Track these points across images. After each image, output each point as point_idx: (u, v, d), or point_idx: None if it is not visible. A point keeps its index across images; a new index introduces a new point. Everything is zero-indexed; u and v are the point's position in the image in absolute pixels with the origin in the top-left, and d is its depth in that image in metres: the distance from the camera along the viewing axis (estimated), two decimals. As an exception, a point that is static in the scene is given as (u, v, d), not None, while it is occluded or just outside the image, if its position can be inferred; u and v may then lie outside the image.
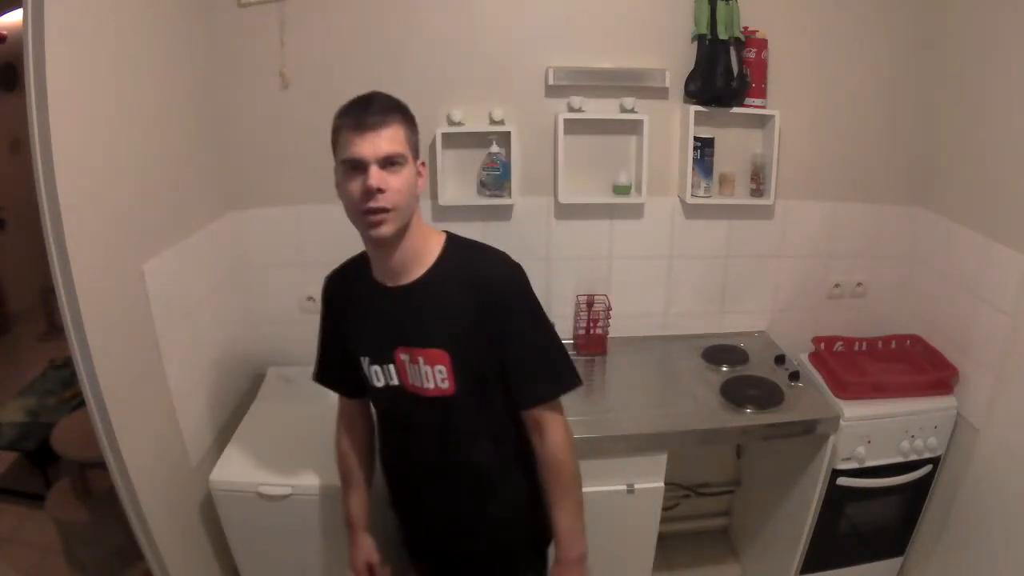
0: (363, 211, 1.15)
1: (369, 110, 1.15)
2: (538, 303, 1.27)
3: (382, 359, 1.29)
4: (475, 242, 1.29)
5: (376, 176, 1.13)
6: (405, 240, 1.21)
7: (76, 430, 2.29)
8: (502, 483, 1.37)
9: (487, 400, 1.29)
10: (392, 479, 1.47)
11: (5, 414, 2.81)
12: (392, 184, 1.14)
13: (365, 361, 1.31)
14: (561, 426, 1.30)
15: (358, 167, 1.14)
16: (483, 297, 1.21)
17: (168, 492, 1.66)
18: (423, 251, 1.24)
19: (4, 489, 2.88)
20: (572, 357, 2.25)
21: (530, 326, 1.26)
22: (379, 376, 1.30)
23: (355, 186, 1.15)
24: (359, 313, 1.32)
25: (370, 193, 1.13)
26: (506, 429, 1.33)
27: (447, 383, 1.24)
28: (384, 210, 1.14)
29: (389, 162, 1.14)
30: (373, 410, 1.47)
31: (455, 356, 1.22)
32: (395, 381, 1.29)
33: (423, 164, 1.23)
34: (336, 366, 1.43)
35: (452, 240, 1.28)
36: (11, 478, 2.92)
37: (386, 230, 1.16)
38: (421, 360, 1.24)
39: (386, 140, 1.14)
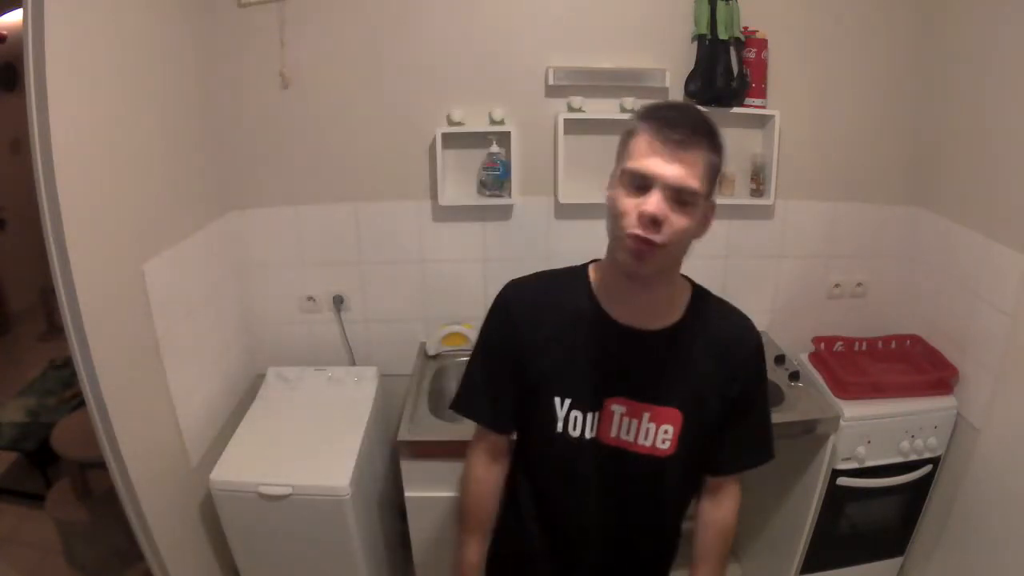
0: (629, 235, 0.96)
1: (679, 122, 0.95)
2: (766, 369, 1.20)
3: (588, 406, 1.10)
4: (720, 298, 1.17)
5: (657, 204, 0.94)
6: (661, 284, 1.07)
7: (76, 430, 2.29)
8: (676, 548, 1.29)
9: (698, 464, 1.18)
10: (546, 537, 1.23)
11: (5, 414, 2.81)
12: (675, 222, 0.95)
13: (563, 404, 1.10)
14: (739, 495, 1.25)
15: (643, 185, 0.96)
16: (730, 360, 1.11)
17: (168, 492, 1.66)
18: (676, 298, 1.11)
19: (4, 489, 2.88)
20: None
21: (765, 395, 1.18)
22: (576, 424, 1.10)
23: (630, 204, 0.97)
24: (569, 346, 1.10)
25: (644, 219, 0.95)
26: (692, 494, 1.24)
27: (668, 444, 1.10)
28: (653, 244, 0.96)
29: (679, 195, 0.95)
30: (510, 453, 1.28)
31: (688, 418, 1.09)
32: (591, 434, 1.11)
33: (713, 206, 1.02)
34: (497, 395, 1.18)
35: (699, 291, 1.15)
36: (11, 478, 2.92)
37: (646, 269, 0.99)
38: (646, 416, 1.09)
39: (686, 167, 0.94)
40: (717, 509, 1.22)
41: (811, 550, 2.07)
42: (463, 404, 1.23)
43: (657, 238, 0.95)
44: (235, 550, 1.82)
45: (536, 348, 1.11)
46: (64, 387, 2.94)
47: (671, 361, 1.09)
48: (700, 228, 1.01)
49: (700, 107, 1.06)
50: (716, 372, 1.10)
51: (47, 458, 2.63)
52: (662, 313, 1.10)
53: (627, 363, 1.09)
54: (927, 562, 2.13)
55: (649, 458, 1.11)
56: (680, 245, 1.00)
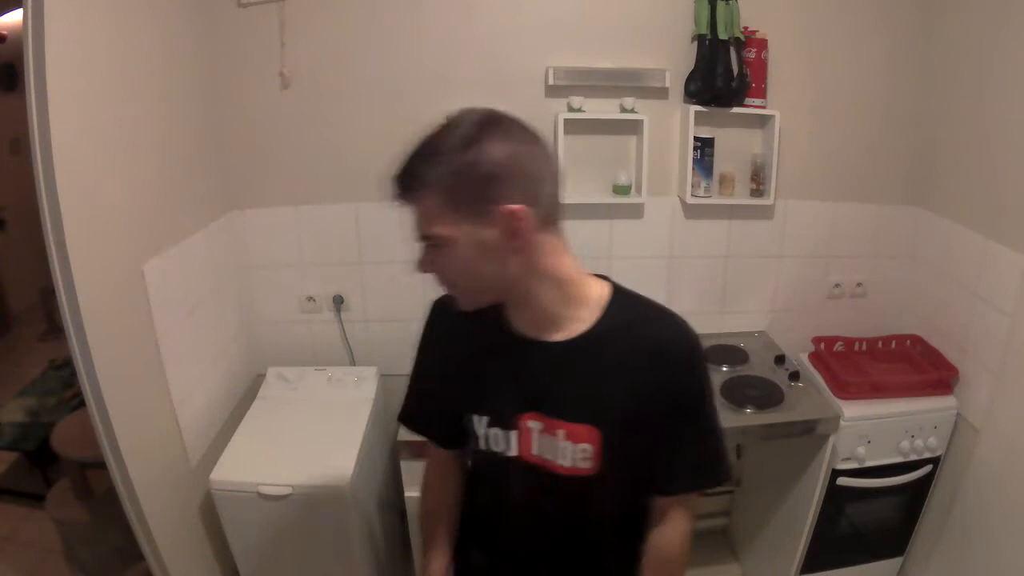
0: None
1: (395, 178, 0.90)
2: (708, 381, 1.04)
3: (504, 423, 1.04)
4: (647, 299, 1.04)
5: (422, 255, 0.91)
6: (532, 300, 0.96)
7: (76, 430, 2.29)
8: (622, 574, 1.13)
9: (637, 484, 1.05)
10: (481, 550, 1.21)
11: (5, 414, 2.81)
12: (440, 267, 0.92)
13: (479, 421, 1.07)
14: (688, 520, 1.09)
15: None
16: (655, 370, 0.97)
17: (168, 492, 1.66)
18: (575, 304, 0.98)
19: (4, 489, 2.88)
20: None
21: (704, 408, 1.03)
22: (497, 441, 1.05)
23: None
24: (480, 363, 1.06)
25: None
26: (640, 516, 1.10)
27: (588, 463, 1.00)
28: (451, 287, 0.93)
29: (431, 241, 0.90)
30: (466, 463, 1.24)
31: (608, 435, 0.98)
32: (514, 452, 1.05)
33: (518, 212, 0.85)
34: (432, 410, 1.17)
35: (619, 293, 1.02)
36: (11, 478, 2.92)
37: (468, 306, 0.97)
38: (560, 434, 1.00)
39: (417, 216, 0.89)
40: (659, 534, 1.08)
41: (811, 550, 2.07)
42: (403, 416, 1.22)
43: (441, 284, 0.94)
44: (235, 550, 1.82)
45: (456, 365, 1.09)
46: (64, 387, 2.94)
47: (581, 375, 0.99)
48: (479, 248, 0.87)
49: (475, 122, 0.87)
50: (638, 383, 0.97)
51: (47, 458, 2.63)
52: (564, 323, 0.98)
53: (536, 377, 1.01)
54: (927, 562, 2.13)
55: (573, 478, 1.01)
56: (473, 282, 0.93)
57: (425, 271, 0.93)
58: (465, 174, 0.85)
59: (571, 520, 1.08)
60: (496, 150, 0.84)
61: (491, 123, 0.87)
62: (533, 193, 0.87)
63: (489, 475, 1.14)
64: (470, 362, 1.07)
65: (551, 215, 0.91)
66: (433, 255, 0.91)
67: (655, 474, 1.04)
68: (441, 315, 1.12)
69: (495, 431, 1.05)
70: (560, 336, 0.98)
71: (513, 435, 1.04)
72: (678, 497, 1.07)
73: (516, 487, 1.09)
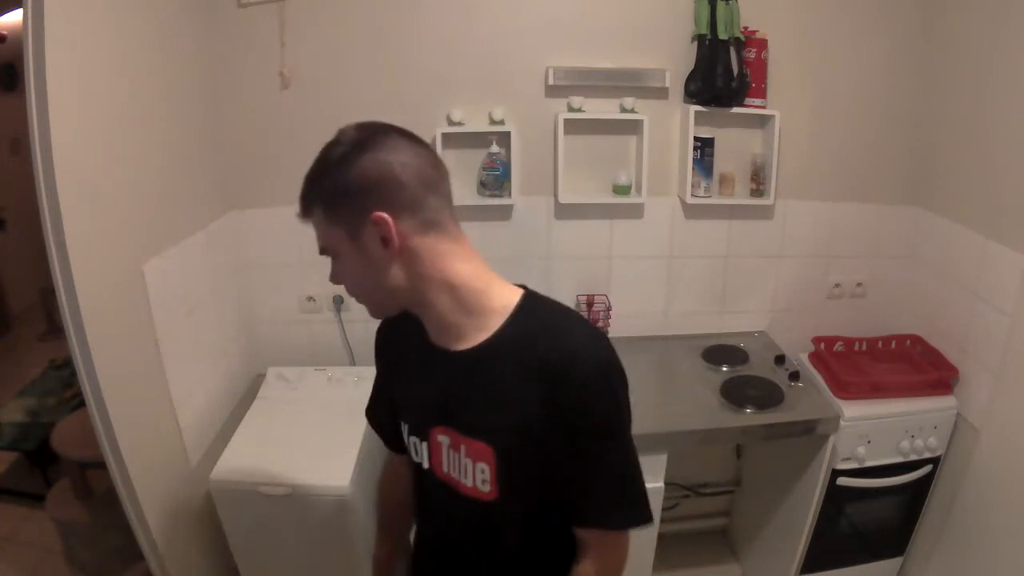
0: None
1: (300, 192, 0.92)
2: (625, 409, 0.93)
3: (419, 433, 1.03)
4: (559, 309, 0.95)
5: (331, 267, 0.95)
6: (428, 308, 0.94)
7: (76, 430, 2.29)
8: None
9: (539, 509, 0.98)
10: (425, 558, 1.20)
11: (5, 414, 2.81)
12: (340, 277, 0.95)
13: (405, 429, 1.06)
14: (608, 559, 0.99)
15: None
16: (557, 390, 0.87)
17: (168, 492, 1.66)
18: (476, 312, 0.93)
19: (4, 489, 2.88)
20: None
21: (613, 437, 0.92)
22: (416, 450, 1.04)
23: None
24: (406, 371, 1.06)
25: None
26: (557, 548, 1.01)
27: (488, 487, 0.94)
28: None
29: (325, 254, 0.94)
30: None
31: (502, 458, 0.92)
32: (426, 465, 1.03)
33: (381, 219, 0.86)
34: (384, 411, 1.18)
35: (529, 302, 0.94)
36: (11, 478, 2.92)
37: (372, 315, 1.00)
38: (463, 449, 0.95)
39: (315, 230, 0.93)
40: (578, 567, 0.98)
41: (811, 550, 2.07)
42: (366, 411, 1.26)
43: (350, 295, 0.97)
44: (235, 550, 1.82)
45: (392, 373, 1.11)
46: (64, 387, 2.94)
47: (480, 388, 0.93)
48: (372, 260, 0.89)
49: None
50: (537, 402, 0.88)
51: (47, 458, 2.63)
52: (466, 332, 0.93)
53: (445, 389, 0.97)
54: (927, 562, 2.13)
55: (476, 501, 0.96)
56: (366, 290, 0.95)
57: (333, 282, 0.96)
58: (340, 189, 0.88)
59: (479, 546, 1.03)
60: (366, 163, 0.87)
61: (366, 138, 0.90)
62: (407, 201, 0.87)
63: (416, 487, 1.13)
64: (401, 368, 1.07)
65: (435, 220, 0.89)
66: (334, 267, 0.94)
67: (564, 505, 0.96)
68: (383, 328, 1.14)
69: (414, 440, 1.04)
70: (462, 345, 0.94)
71: (425, 447, 1.02)
72: (592, 531, 0.97)
73: (432, 503, 1.08)
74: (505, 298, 0.94)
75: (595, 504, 0.94)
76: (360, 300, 0.98)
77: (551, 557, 1.02)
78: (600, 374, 0.88)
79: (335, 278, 0.96)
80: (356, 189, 0.87)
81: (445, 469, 0.99)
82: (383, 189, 0.87)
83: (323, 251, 0.93)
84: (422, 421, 1.02)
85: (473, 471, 0.95)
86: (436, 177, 0.91)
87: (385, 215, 0.86)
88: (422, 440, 1.02)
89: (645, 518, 0.95)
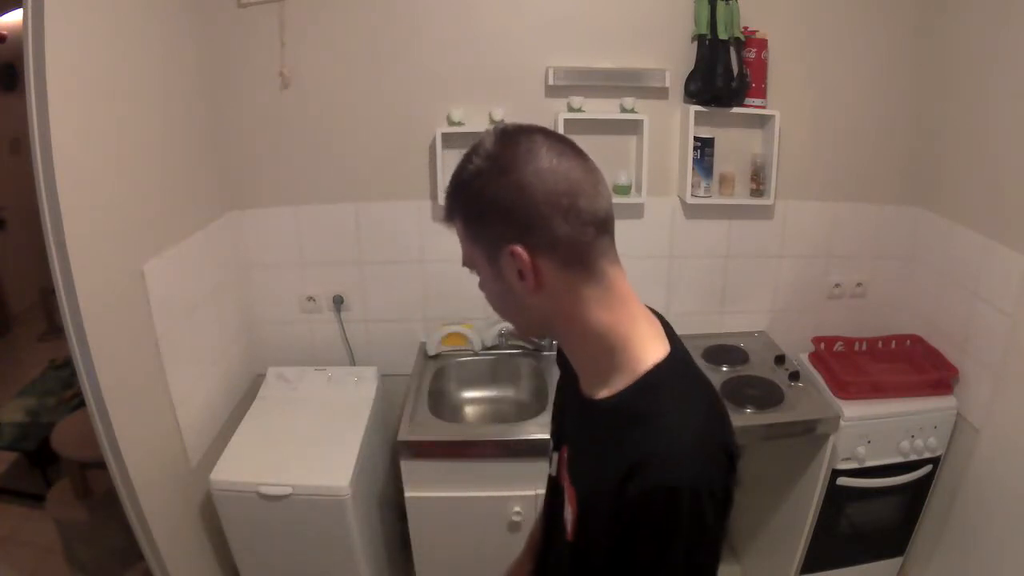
0: None
1: (445, 196, 0.84)
2: (676, 547, 0.75)
3: (554, 444, 1.02)
4: (668, 399, 0.80)
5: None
6: (564, 344, 0.89)
7: (76, 430, 2.29)
8: None
9: None
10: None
11: (5, 414, 2.81)
12: (484, 291, 0.87)
13: (550, 434, 1.07)
14: None
15: None
16: (624, 485, 0.75)
17: (168, 492, 1.66)
18: (605, 370, 0.83)
19: (4, 489, 2.88)
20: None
21: (647, 562, 0.76)
22: (552, 461, 1.02)
23: None
24: (563, 392, 1.03)
25: None
26: None
27: (570, 528, 0.89)
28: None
29: (466, 267, 0.86)
30: None
31: (582, 511, 0.86)
32: (553, 471, 1.00)
33: (517, 253, 0.77)
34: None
35: (652, 377, 0.81)
36: (11, 478, 2.92)
37: (519, 336, 0.98)
38: (567, 481, 0.91)
39: (458, 237, 0.84)
40: None
41: (811, 550, 2.07)
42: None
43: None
44: (235, 550, 1.82)
45: (562, 385, 1.05)
46: (64, 387, 2.94)
47: (586, 438, 0.88)
48: (510, 284, 0.80)
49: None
50: (612, 486, 0.76)
51: (47, 458, 2.63)
52: (597, 384, 0.85)
53: (571, 420, 0.95)
54: (927, 562, 2.13)
55: (564, 531, 0.90)
56: (501, 310, 0.87)
57: (482, 290, 0.88)
58: (475, 210, 0.80)
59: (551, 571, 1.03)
60: (501, 186, 0.77)
61: (504, 153, 0.77)
62: (546, 234, 0.76)
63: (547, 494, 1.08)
64: (564, 383, 1.03)
65: (578, 256, 0.78)
66: (480, 280, 0.87)
67: None
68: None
69: (553, 453, 1.01)
70: (588, 392, 0.87)
71: (555, 456, 0.99)
72: None
73: (548, 516, 1.05)
74: (638, 361, 0.82)
75: None
76: (503, 319, 0.92)
77: None
78: (665, 491, 0.73)
79: (481, 286, 0.87)
80: (490, 213, 0.78)
81: (565, 481, 0.92)
82: (519, 218, 0.76)
83: (466, 263, 0.86)
84: (557, 433, 1.01)
85: (566, 506, 0.90)
86: (586, 204, 0.77)
87: (520, 249, 0.76)
88: (554, 450, 1.00)
89: None
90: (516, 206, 0.76)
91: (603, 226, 0.79)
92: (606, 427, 0.83)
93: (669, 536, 0.75)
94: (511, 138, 0.79)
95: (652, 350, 0.83)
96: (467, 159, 0.80)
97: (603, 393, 0.84)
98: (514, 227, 0.77)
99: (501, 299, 0.85)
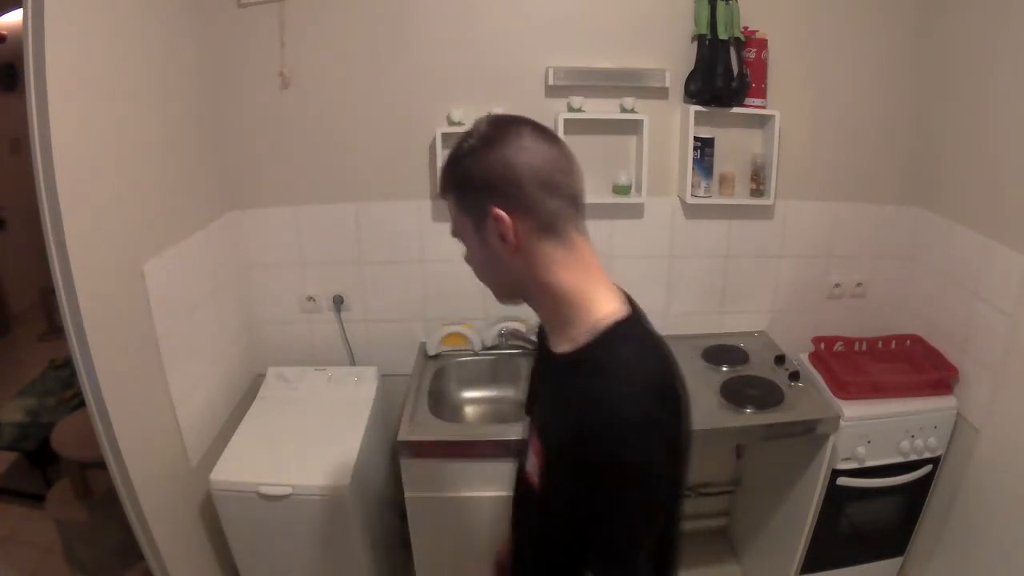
0: None
1: (440, 173, 0.97)
2: (630, 476, 0.83)
3: (528, 409, 1.15)
4: (622, 351, 0.89)
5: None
6: (534, 306, 0.98)
7: (76, 430, 2.29)
8: None
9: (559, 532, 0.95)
10: None
11: (5, 414, 2.81)
12: (469, 259, 0.98)
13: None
14: None
15: None
16: (583, 449, 0.84)
17: (168, 492, 1.66)
18: (570, 325, 0.93)
19: (4, 489, 2.88)
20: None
21: (607, 501, 0.84)
22: (524, 428, 1.11)
23: None
24: (538, 361, 1.13)
25: None
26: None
27: (536, 477, 0.98)
28: None
29: (456, 237, 0.98)
30: None
31: (546, 461, 0.95)
32: (526, 435, 1.08)
33: (500, 217, 0.88)
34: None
35: (610, 332, 0.90)
36: (11, 478, 2.92)
37: (498, 300, 1.02)
38: (535, 433, 1.01)
39: (449, 211, 0.97)
40: None
41: (811, 550, 2.07)
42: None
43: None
44: (235, 550, 1.82)
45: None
46: (64, 387, 2.94)
47: (551, 392, 0.98)
48: (490, 248, 0.92)
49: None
50: (570, 432, 0.86)
51: (47, 458, 2.63)
52: (560, 337, 0.95)
53: (540, 379, 1.10)
54: (927, 562, 2.13)
55: (530, 482, 1.00)
56: (483, 276, 0.98)
57: (466, 261, 0.99)
58: (466, 181, 0.92)
59: (517, 527, 1.12)
60: (490, 160, 0.89)
61: (495, 134, 0.90)
62: (526, 202, 0.89)
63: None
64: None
65: (552, 224, 0.91)
66: (466, 250, 0.97)
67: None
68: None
69: (526, 417, 1.14)
70: (555, 348, 0.96)
71: (528, 420, 1.10)
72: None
73: (517, 473, 1.13)
74: (599, 318, 0.91)
75: (586, 542, 0.87)
76: (485, 284, 1.00)
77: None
78: (615, 426, 0.82)
79: (466, 259, 0.99)
80: (480, 184, 0.90)
81: (528, 443, 1.04)
82: (503, 188, 0.89)
83: (454, 234, 0.97)
84: (530, 400, 1.15)
85: (532, 456, 1.00)
86: (562, 180, 0.92)
87: (503, 213, 0.88)
88: (527, 415, 1.13)
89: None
90: (501, 177, 0.88)
91: (574, 200, 0.94)
92: (567, 378, 0.92)
93: (621, 497, 0.84)
94: (501, 123, 0.92)
95: (613, 310, 0.93)
96: (462, 140, 0.92)
97: (566, 348, 0.93)
98: (498, 195, 0.89)
99: (485, 264, 0.96)
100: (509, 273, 0.94)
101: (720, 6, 1.92)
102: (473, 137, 0.91)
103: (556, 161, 0.92)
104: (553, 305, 0.94)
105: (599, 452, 0.83)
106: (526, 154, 0.89)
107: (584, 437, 0.83)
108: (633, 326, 0.93)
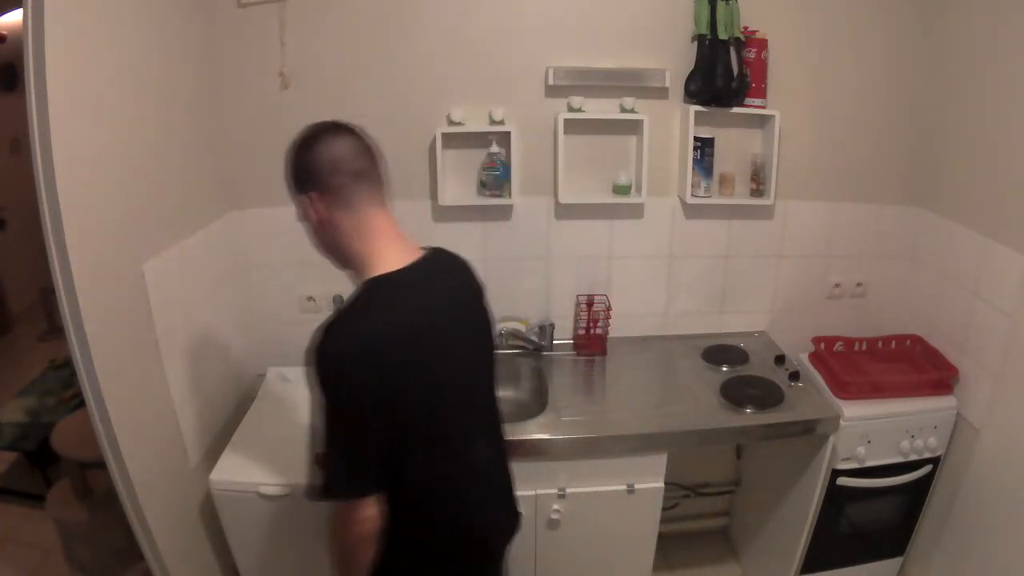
0: None
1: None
2: (329, 395, 1.12)
3: None
4: (353, 302, 1.17)
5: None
6: (343, 267, 1.27)
7: (76, 430, 2.29)
8: None
9: None
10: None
11: (5, 414, 2.81)
12: (308, 236, 1.26)
13: None
14: (333, 516, 1.26)
15: None
16: (306, 362, 1.14)
17: (168, 492, 1.66)
18: (357, 283, 1.21)
19: (4, 489, 2.88)
20: (572, 357, 2.25)
21: (318, 400, 1.13)
22: None
23: None
24: None
25: None
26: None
27: None
28: None
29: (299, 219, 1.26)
30: None
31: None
32: None
33: (311, 196, 1.18)
34: None
35: (360, 288, 1.19)
36: (11, 478, 2.92)
37: (335, 266, 1.28)
38: None
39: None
40: None
41: (811, 550, 2.07)
42: None
43: None
44: (235, 550, 1.82)
45: None
46: (64, 387, 2.94)
47: None
48: (308, 225, 1.23)
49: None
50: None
51: (47, 458, 2.63)
52: None
53: None
54: (927, 562, 2.13)
55: None
56: (318, 245, 1.25)
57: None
58: (292, 171, 1.22)
59: None
60: (309, 154, 1.19)
61: (313, 134, 1.20)
62: (331, 185, 1.17)
63: None
64: None
65: (350, 201, 1.18)
66: (304, 226, 1.24)
67: None
68: None
69: None
70: None
71: None
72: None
73: None
74: (368, 279, 1.18)
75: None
76: (316, 251, 1.27)
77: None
78: (309, 354, 1.12)
79: (308, 235, 1.25)
80: (301, 173, 1.20)
81: None
82: (316, 174, 1.18)
83: (298, 219, 1.24)
84: None
85: None
86: (345, 160, 1.18)
87: (314, 194, 1.18)
88: None
89: (322, 493, 1.23)
90: (308, 167, 1.19)
91: (359, 176, 1.19)
92: None
93: (319, 380, 1.12)
94: (320, 125, 1.22)
95: (382, 270, 1.18)
96: (293, 141, 1.22)
97: None
98: (309, 181, 1.19)
99: (312, 235, 1.24)
100: (326, 244, 1.23)
101: (720, 6, 1.92)
102: (299, 138, 1.21)
103: (344, 148, 1.18)
104: (354, 268, 1.22)
105: (311, 373, 1.12)
106: (321, 146, 1.18)
107: (306, 363, 1.13)
108: (381, 284, 1.17)
